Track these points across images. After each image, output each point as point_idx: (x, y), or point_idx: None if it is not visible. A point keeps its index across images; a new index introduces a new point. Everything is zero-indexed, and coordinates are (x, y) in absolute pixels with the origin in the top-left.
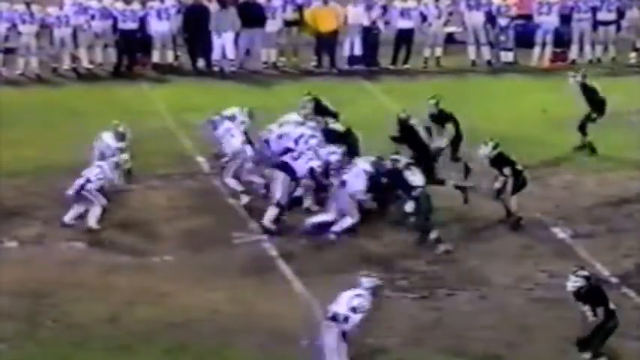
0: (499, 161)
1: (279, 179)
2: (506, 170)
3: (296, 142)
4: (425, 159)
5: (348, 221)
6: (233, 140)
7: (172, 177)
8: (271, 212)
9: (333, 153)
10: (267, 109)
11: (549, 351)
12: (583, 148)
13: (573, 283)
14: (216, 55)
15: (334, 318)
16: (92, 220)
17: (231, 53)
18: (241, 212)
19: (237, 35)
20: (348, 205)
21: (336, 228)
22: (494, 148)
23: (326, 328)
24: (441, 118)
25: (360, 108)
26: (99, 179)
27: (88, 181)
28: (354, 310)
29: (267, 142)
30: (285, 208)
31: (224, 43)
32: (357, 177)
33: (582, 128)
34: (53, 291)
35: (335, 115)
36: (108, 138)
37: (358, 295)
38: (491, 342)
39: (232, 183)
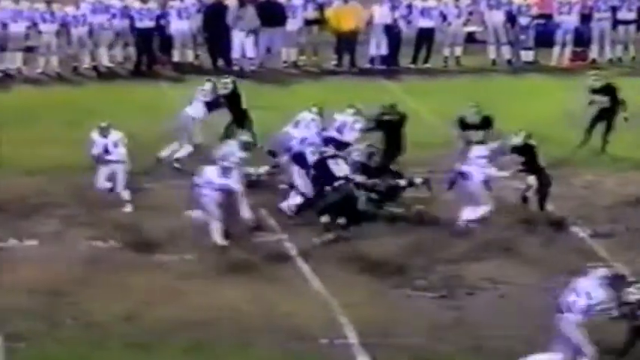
0: (524, 152)
1: (296, 171)
2: (531, 179)
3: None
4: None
5: (480, 209)
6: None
7: (191, 176)
8: (293, 199)
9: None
10: (286, 108)
11: None
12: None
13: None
14: (235, 54)
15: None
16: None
17: (250, 52)
18: (262, 210)
19: (256, 34)
20: (477, 193)
21: (468, 216)
22: (526, 138)
23: (563, 322)
24: (484, 124)
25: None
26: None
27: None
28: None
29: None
30: (309, 199)
31: (244, 42)
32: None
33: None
34: (72, 289)
35: None
36: None
37: (595, 284)
38: (511, 341)
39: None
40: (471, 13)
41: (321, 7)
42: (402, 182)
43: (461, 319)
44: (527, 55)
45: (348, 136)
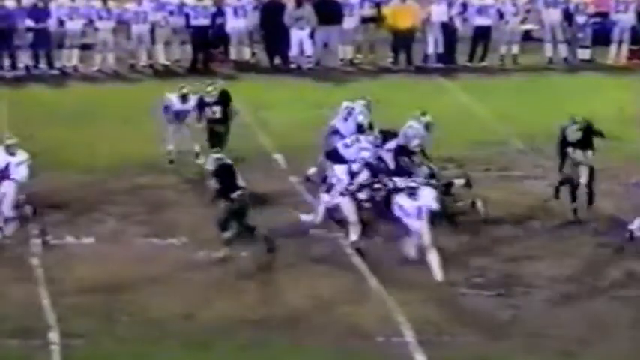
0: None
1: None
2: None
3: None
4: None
5: None
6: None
7: (249, 173)
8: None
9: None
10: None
11: (625, 349)
12: None
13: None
14: (293, 52)
15: None
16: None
17: (308, 50)
18: (319, 209)
19: (313, 32)
20: None
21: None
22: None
23: None
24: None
25: (438, 105)
26: None
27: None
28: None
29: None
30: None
31: (302, 39)
32: None
33: None
34: (129, 287)
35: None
36: None
37: None
38: (568, 339)
39: None
40: (528, 11)
41: (377, 5)
42: (457, 181)
43: (517, 316)
44: (583, 54)
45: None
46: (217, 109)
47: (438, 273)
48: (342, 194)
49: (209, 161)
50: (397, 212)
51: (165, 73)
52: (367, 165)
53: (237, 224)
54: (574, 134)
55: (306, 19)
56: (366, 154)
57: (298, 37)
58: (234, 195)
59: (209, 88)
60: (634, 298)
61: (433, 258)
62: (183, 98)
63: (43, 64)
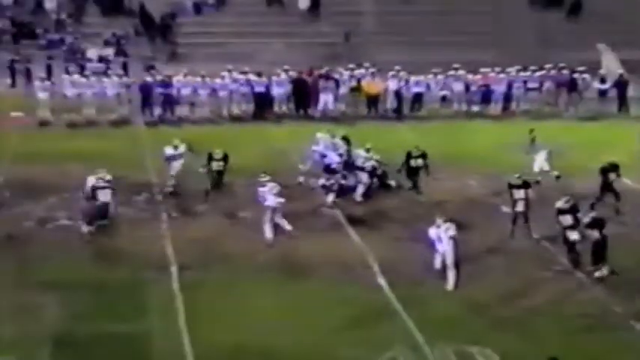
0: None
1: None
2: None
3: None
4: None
5: None
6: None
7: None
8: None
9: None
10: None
11: None
12: None
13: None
14: (320, 106)
15: None
16: None
17: (332, 106)
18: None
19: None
20: None
21: None
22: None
23: None
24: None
25: (393, 139)
26: None
27: None
28: None
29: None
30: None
31: (327, 100)
32: None
33: None
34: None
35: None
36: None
37: None
38: None
39: None
40: (444, 84)
41: (358, 80)
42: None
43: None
44: (475, 107)
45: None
46: (221, 163)
47: (450, 285)
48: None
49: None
50: (431, 235)
51: (237, 119)
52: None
53: None
54: (416, 159)
55: (330, 88)
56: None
57: (324, 98)
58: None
59: (217, 150)
60: None
61: (450, 275)
62: (175, 148)
63: (168, 114)
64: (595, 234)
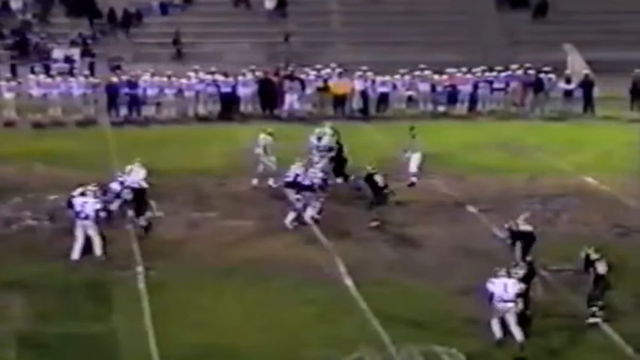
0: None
1: None
2: None
3: None
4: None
5: None
6: None
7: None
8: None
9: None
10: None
11: None
12: None
13: None
14: (286, 106)
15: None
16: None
17: (297, 106)
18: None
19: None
20: None
21: None
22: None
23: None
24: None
25: (359, 139)
26: None
27: None
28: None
29: None
30: None
31: (292, 100)
32: None
33: None
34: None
35: None
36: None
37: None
38: None
39: None
40: (410, 84)
41: (325, 80)
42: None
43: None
44: (441, 108)
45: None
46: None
47: (519, 338)
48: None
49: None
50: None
51: (204, 119)
52: None
53: None
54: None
55: (296, 89)
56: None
57: (290, 99)
58: None
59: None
60: None
61: (516, 332)
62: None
63: (135, 114)
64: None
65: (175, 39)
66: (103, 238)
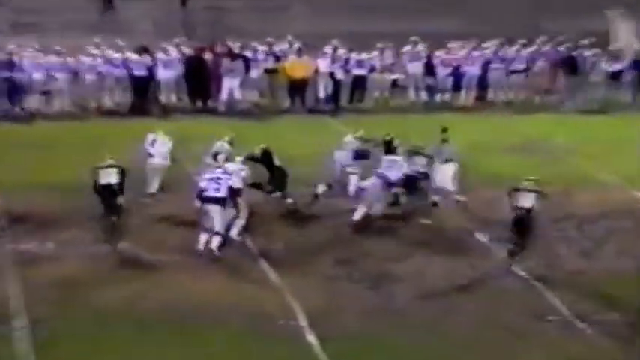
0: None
1: None
2: None
3: None
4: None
5: None
6: None
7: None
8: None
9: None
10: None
11: None
12: None
13: None
14: (224, 96)
15: None
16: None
17: (238, 95)
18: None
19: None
20: None
21: None
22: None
23: None
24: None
25: (323, 137)
26: None
27: None
28: None
29: None
30: None
31: (232, 87)
32: None
33: None
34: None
35: None
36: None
37: None
38: None
39: None
40: (393, 64)
41: (277, 59)
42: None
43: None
44: (438, 97)
45: None
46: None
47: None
48: None
49: None
50: None
51: (109, 113)
52: None
53: None
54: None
55: (238, 71)
56: None
57: (229, 84)
58: None
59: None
60: None
61: None
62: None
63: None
64: None
65: None
66: None
